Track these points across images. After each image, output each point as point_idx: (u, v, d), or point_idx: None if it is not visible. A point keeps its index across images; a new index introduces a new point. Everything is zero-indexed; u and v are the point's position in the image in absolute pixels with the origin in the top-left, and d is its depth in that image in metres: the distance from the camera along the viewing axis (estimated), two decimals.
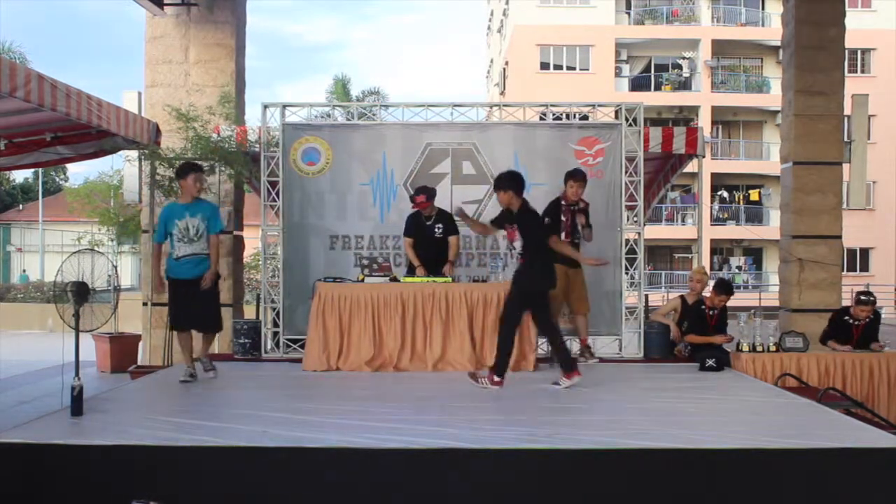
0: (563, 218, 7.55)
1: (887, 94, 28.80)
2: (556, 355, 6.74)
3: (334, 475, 4.29)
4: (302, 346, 7.79)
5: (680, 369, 7.39)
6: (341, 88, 31.91)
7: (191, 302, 6.52)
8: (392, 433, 4.61)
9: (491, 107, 9.11)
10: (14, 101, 5.05)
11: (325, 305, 7.37)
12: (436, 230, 7.79)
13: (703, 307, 7.75)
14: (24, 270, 31.87)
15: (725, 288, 7.75)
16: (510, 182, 6.42)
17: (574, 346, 8.04)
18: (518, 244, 6.46)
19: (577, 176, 7.57)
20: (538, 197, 8.00)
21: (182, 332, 6.68)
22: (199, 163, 7.35)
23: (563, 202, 7.59)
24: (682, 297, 8.17)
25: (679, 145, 9.33)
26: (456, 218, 7.67)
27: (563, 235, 7.54)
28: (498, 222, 6.78)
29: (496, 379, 6.34)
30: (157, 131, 7.34)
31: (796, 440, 4.54)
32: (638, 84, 33.27)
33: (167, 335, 8.27)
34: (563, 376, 6.35)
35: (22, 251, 35.05)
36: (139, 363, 9.51)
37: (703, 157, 9.61)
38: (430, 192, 7.78)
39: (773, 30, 30.05)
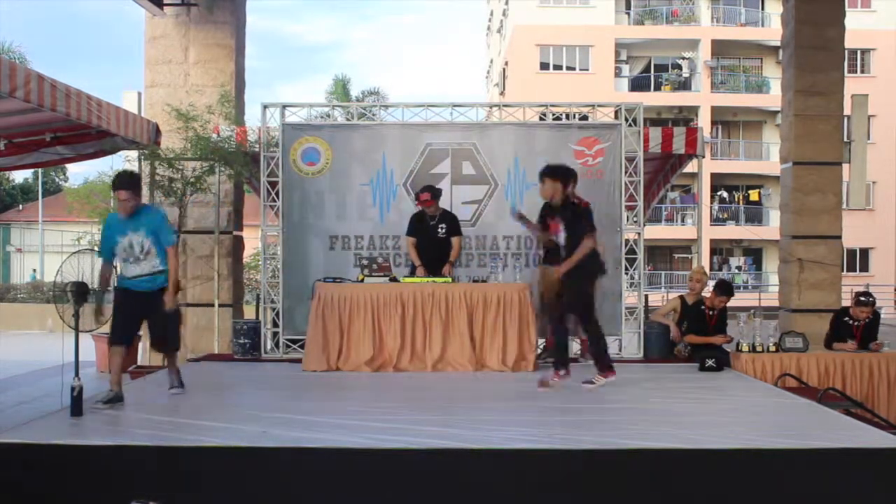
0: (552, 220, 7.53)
1: (887, 94, 28.81)
2: (591, 353, 6.66)
3: (334, 475, 4.29)
4: (302, 347, 7.79)
5: (680, 369, 7.40)
6: (341, 88, 31.92)
7: (144, 314, 5.83)
8: (392, 433, 4.61)
9: (491, 107, 9.11)
10: (14, 101, 5.05)
11: (325, 306, 7.37)
12: (439, 230, 7.79)
13: (703, 307, 7.75)
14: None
15: (725, 289, 7.75)
16: (562, 173, 6.29)
17: (575, 345, 8.03)
18: (562, 236, 6.24)
19: (545, 173, 7.45)
20: (537, 196, 7.98)
21: (119, 347, 5.79)
22: (138, 175, 6.25)
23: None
24: (681, 297, 8.17)
25: (679, 145, 9.33)
26: (514, 221, 7.55)
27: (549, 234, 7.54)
28: (541, 220, 6.52)
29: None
30: (157, 131, 7.33)
31: (796, 440, 4.54)
32: (638, 84, 33.27)
33: None
34: (598, 374, 6.30)
35: (22, 251, 35.05)
36: (139, 363, 9.50)
37: (703, 157, 9.61)
38: (434, 192, 7.79)
39: (773, 30, 30.05)
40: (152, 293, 5.74)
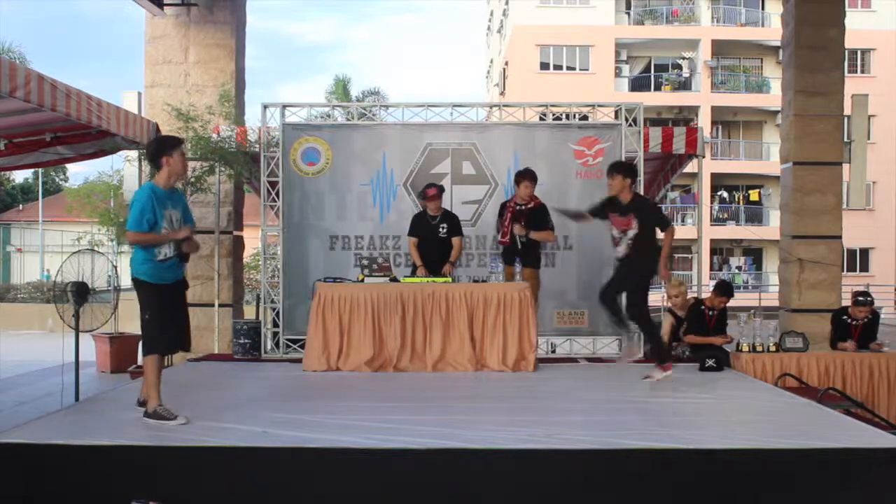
0: (502, 217, 7.62)
1: (887, 94, 28.79)
2: (649, 344, 6.89)
3: (334, 475, 4.29)
4: (302, 347, 7.79)
5: (680, 369, 7.38)
6: (341, 88, 31.90)
7: (177, 312, 5.18)
8: (392, 433, 4.62)
9: (491, 107, 9.11)
10: (14, 101, 5.06)
11: (325, 305, 7.36)
12: (440, 230, 7.79)
13: (703, 307, 7.75)
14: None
15: (725, 289, 7.75)
16: (628, 170, 6.66)
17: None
18: (633, 231, 6.47)
19: (528, 176, 7.53)
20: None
21: (162, 357, 5.19)
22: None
23: (509, 203, 7.63)
24: (670, 311, 8.15)
25: (679, 145, 9.33)
26: (553, 212, 7.64)
27: (500, 236, 7.65)
28: (597, 212, 6.82)
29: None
30: (157, 131, 7.34)
31: (796, 440, 4.54)
32: (638, 84, 33.26)
33: None
34: (657, 368, 6.51)
35: (22, 251, 35.06)
36: (139, 363, 9.51)
37: (703, 157, 9.61)
38: (440, 187, 7.85)
39: (773, 30, 30.05)
40: (179, 283, 5.18)
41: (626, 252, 6.50)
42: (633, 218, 6.45)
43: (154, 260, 4.98)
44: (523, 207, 7.53)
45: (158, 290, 5.01)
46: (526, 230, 7.42)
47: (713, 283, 8.16)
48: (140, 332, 5.08)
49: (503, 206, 7.72)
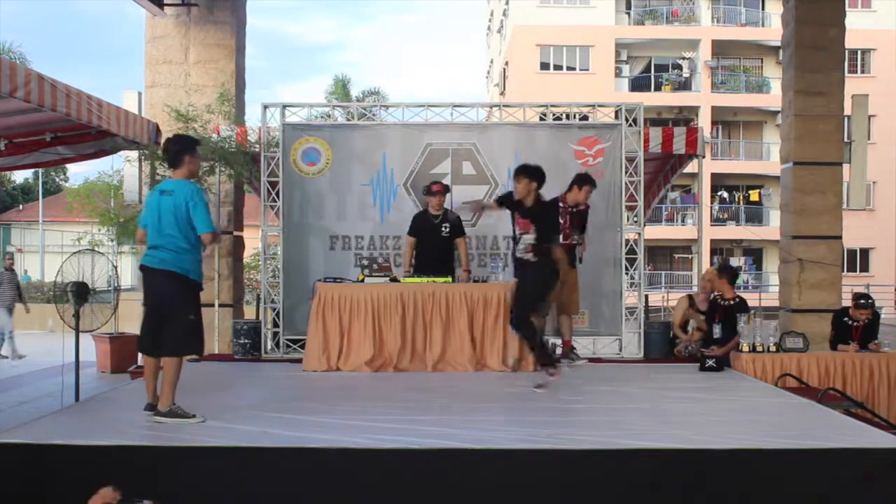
0: (561, 220, 7.47)
1: (887, 94, 28.79)
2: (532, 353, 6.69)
3: (334, 475, 4.29)
4: (302, 347, 7.79)
5: (680, 369, 7.40)
6: (341, 88, 31.91)
7: None
8: (392, 433, 4.62)
9: (491, 107, 9.11)
10: (14, 101, 5.05)
11: (325, 306, 7.36)
12: (442, 229, 7.77)
13: (715, 296, 7.66)
14: (25, 271, 31.79)
15: (721, 269, 7.75)
16: (535, 174, 6.48)
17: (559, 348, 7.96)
18: (530, 237, 6.42)
19: (593, 182, 7.45)
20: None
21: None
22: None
23: (561, 204, 7.42)
24: (689, 296, 8.11)
25: (679, 145, 9.32)
26: (464, 219, 7.69)
27: (562, 238, 7.33)
28: (503, 202, 6.75)
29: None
30: (157, 131, 7.32)
31: (796, 440, 4.54)
32: (638, 84, 33.26)
33: None
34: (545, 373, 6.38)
35: (22, 251, 35.07)
36: (139, 363, 9.50)
37: (703, 157, 9.60)
38: (446, 186, 7.87)
39: (773, 30, 30.04)
40: None
41: (524, 256, 6.48)
42: (532, 224, 6.41)
43: (199, 256, 5.09)
44: (575, 210, 7.44)
45: (200, 290, 5.14)
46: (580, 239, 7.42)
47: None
48: (176, 334, 5.03)
49: (558, 207, 7.36)
